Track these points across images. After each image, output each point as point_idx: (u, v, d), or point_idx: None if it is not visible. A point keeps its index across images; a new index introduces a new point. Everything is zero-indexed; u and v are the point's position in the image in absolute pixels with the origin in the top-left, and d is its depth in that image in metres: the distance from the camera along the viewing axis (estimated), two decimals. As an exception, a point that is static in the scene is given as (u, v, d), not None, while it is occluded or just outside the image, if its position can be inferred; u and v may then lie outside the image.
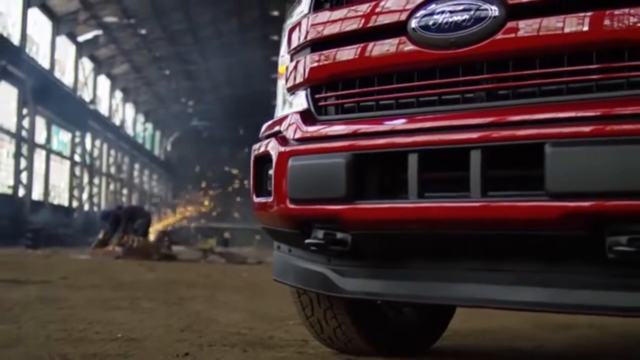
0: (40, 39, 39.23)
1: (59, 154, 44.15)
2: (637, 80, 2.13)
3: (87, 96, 46.79)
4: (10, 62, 32.79)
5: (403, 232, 2.52)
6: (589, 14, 2.18)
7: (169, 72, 55.51)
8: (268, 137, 2.99)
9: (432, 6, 2.44)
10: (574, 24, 2.20)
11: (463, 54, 2.37)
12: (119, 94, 55.74)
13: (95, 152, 50.34)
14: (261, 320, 5.03)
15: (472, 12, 2.35)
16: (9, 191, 35.79)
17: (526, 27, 2.27)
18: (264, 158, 2.93)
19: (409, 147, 2.43)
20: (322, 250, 2.75)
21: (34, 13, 37.44)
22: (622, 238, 2.07)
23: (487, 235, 2.35)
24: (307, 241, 2.72)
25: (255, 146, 3.08)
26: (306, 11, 2.91)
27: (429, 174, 2.43)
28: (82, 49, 44.92)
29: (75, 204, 46.21)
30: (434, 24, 2.42)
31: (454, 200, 2.36)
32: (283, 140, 2.84)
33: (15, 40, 35.22)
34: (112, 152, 55.36)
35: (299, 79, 2.87)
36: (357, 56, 2.66)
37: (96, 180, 50.91)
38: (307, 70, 2.82)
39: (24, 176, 36.50)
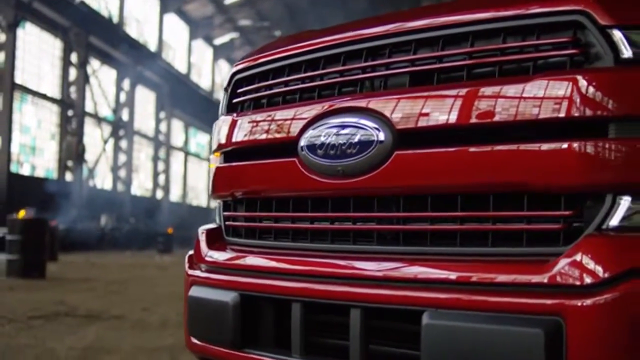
0: (177, 44, 40.31)
1: (197, 155, 45.28)
2: (538, 235, 1.68)
3: (224, 98, 47.77)
4: (147, 67, 33.85)
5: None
6: (491, 148, 1.72)
7: (305, 72, 55.81)
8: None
9: (321, 122, 2.02)
10: (472, 158, 1.75)
11: (350, 186, 1.95)
12: (256, 94, 56.63)
13: (233, 152, 51.34)
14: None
15: (357, 136, 1.92)
16: (147, 193, 37.02)
17: (417, 158, 1.83)
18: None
19: (292, 295, 2.03)
20: None
21: (171, 19, 38.49)
22: None
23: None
24: None
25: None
26: (220, 114, 2.55)
27: (323, 316, 2.04)
28: (219, 52, 45.93)
29: (213, 204, 47.32)
30: (321, 146, 1.99)
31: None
32: (192, 262, 2.48)
33: (153, 46, 36.33)
34: (251, 151, 56.37)
35: (212, 188, 2.51)
36: (255, 174, 2.28)
37: (234, 180, 51.98)
38: (215, 181, 2.46)
39: (161, 178, 37.68)
